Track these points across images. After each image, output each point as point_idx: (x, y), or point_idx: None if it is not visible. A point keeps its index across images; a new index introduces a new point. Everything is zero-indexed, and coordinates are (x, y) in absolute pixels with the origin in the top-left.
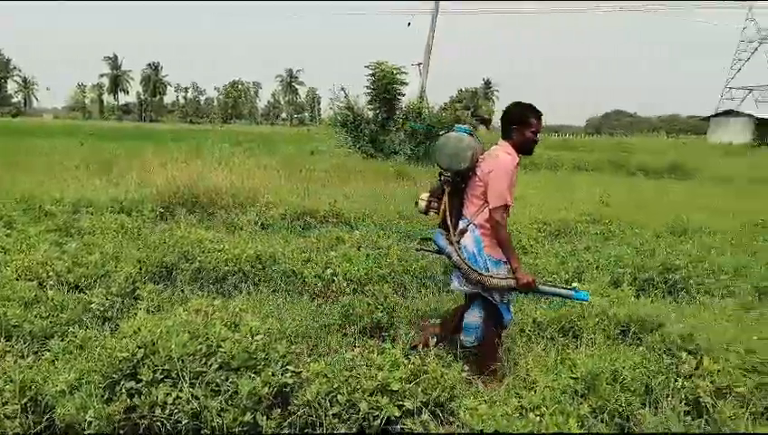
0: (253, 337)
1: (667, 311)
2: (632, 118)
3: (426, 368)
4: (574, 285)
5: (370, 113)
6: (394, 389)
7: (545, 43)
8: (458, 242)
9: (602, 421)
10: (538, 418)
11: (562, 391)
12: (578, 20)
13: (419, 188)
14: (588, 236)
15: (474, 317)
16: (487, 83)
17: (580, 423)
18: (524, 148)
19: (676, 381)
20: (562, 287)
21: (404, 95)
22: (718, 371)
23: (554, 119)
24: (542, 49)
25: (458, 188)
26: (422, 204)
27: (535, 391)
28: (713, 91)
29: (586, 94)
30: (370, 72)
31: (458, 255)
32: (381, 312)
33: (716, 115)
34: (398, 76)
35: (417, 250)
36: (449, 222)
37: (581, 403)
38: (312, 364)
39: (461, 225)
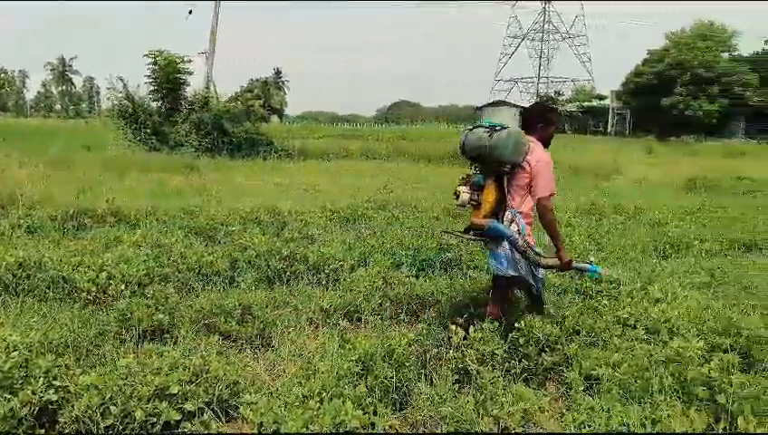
0: (8, 354)
1: (441, 287)
2: (415, 107)
3: (208, 367)
4: (591, 259)
5: (154, 104)
6: (173, 392)
7: (336, 33)
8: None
9: (379, 399)
10: (318, 404)
11: (342, 375)
12: (366, 11)
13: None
14: (375, 221)
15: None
16: (278, 73)
17: (357, 404)
18: (546, 142)
19: (448, 352)
20: (586, 263)
21: (188, 85)
22: (482, 338)
23: (346, 109)
24: (331, 38)
25: (503, 180)
26: (465, 196)
27: (319, 378)
28: (486, 83)
29: (376, 84)
30: (150, 60)
31: (524, 240)
32: (162, 314)
33: (488, 105)
34: (181, 65)
35: (448, 232)
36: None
37: (359, 384)
38: (81, 377)
39: (509, 215)
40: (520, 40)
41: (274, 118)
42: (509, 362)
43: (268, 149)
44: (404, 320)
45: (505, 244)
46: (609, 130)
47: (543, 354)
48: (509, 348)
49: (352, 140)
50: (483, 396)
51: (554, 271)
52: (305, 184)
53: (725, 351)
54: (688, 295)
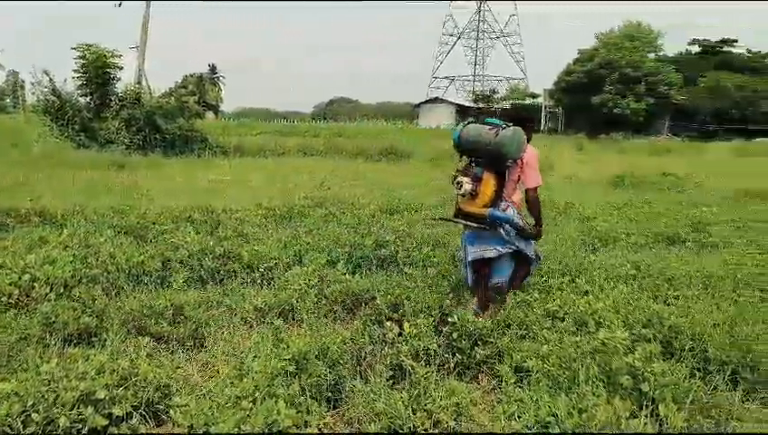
0: None
1: (377, 284)
2: (354, 104)
3: (136, 370)
4: None
5: (82, 100)
6: (100, 397)
7: (272, 29)
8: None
9: (313, 398)
10: (250, 404)
11: (276, 374)
12: (300, 7)
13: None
14: (311, 219)
15: (507, 274)
16: (213, 69)
17: (290, 403)
18: (528, 140)
19: (383, 349)
20: None
21: (119, 80)
22: (416, 334)
23: (283, 105)
24: (270, 35)
25: (502, 172)
26: (468, 186)
27: (252, 378)
28: (424, 80)
29: (313, 81)
30: (79, 54)
31: (522, 220)
32: (89, 316)
33: (425, 102)
34: (111, 60)
35: (443, 219)
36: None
37: (292, 384)
38: (0, 384)
39: (503, 204)
40: (456, 38)
41: (210, 114)
42: (443, 357)
43: (203, 145)
44: (339, 318)
45: (503, 229)
46: (542, 127)
47: (476, 348)
48: (444, 343)
49: (290, 136)
50: (416, 391)
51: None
52: (241, 181)
53: (649, 341)
54: (615, 288)
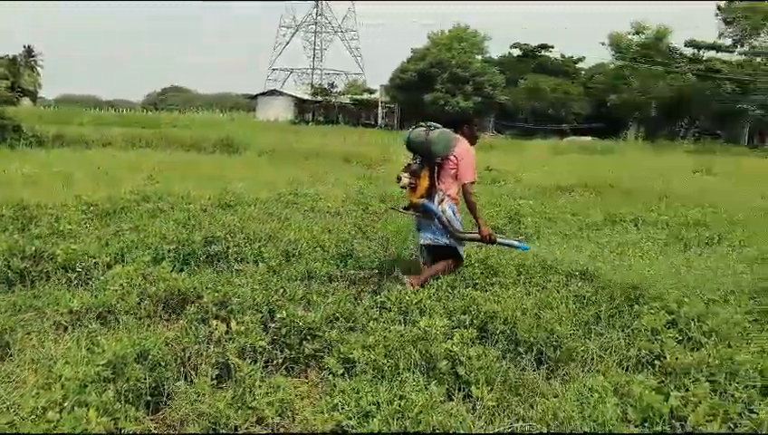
0: None
1: (206, 281)
2: (189, 94)
3: None
4: (520, 237)
5: None
6: None
7: (98, 12)
8: (440, 208)
9: (129, 402)
10: (57, 415)
11: (89, 381)
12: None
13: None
14: (137, 214)
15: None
16: (30, 51)
17: (103, 410)
18: (471, 139)
19: (208, 348)
20: (513, 239)
21: None
22: (244, 331)
23: (110, 93)
24: (95, 19)
25: (436, 169)
26: (405, 181)
27: (62, 386)
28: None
29: (145, 68)
30: None
31: (446, 217)
32: None
33: (263, 94)
34: None
35: (394, 209)
36: (434, 193)
37: (106, 390)
38: None
39: (438, 197)
40: (294, 31)
41: (26, 101)
42: (272, 353)
43: (16, 135)
44: (163, 318)
45: (434, 221)
46: (378, 122)
47: (305, 343)
48: (272, 339)
49: (117, 126)
50: (241, 389)
51: (477, 244)
52: (60, 174)
53: (466, 326)
54: (439, 277)
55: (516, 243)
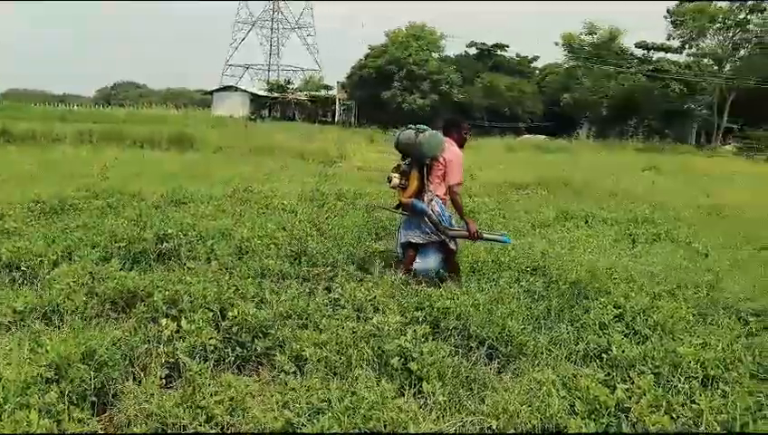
0: None
1: (156, 279)
2: (142, 89)
3: None
4: (503, 232)
5: None
6: None
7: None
8: (429, 207)
9: (74, 403)
10: None
11: (31, 382)
12: None
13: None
14: (86, 212)
15: (432, 262)
16: None
17: (45, 412)
18: (460, 143)
19: (158, 347)
20: (497, 233)
21: None
22: (194, 330)
23: (62, 88)
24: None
25: (426, 170)
26: (395, 181)
27: (2, 389)
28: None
29: (96, 63)
30: None
31: (436, 215)
32: None
33: (219, 90)
34: None
35: (383, 207)
36: (423, 193)
37: (49, 391)
38: None
39: (427, 196)
40: (250, 27)
41: None
42: (223, 352)
43: None
44: (112, 317)
45: (424, 219)
46: (336, 119)
47: (257, 341)
48: (224, 337)
49: (68, 122)
50: (191, 388)
51: (466, 240)
52: (4, 171)
53: (420, 322)
54: (395, 274)
55: (500, 237)
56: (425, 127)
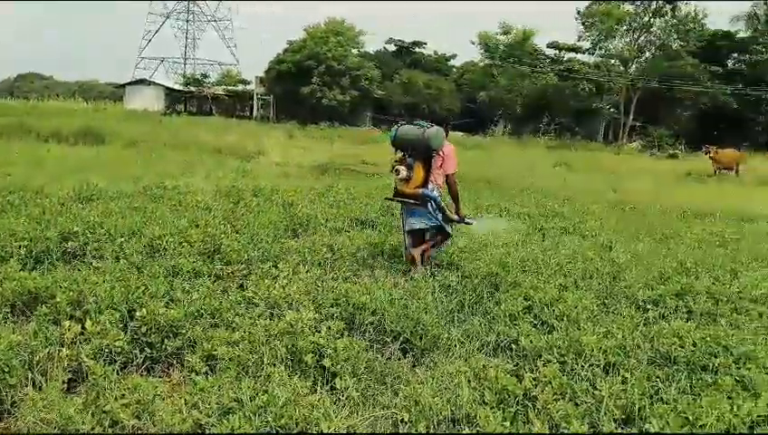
0: None
1: (60, 280)
2: (48, 81)
3: None
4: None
5: None
6: None
7: None
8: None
9: None
10: None
11: None
12: None
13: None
14: None
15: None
16: None
17: None
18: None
19: (60, 350)
20: (473, 218)
21: None
22: (100, 332)
23: None
24: None
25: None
26: (404, 173)
27: None
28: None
29: None
30: None
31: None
32: None
33: (131, 83)
34: None
35: (389, 199)
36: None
37: None
38: None
39: (431, 186)
40: (164, 18)
41: None
42: (131, 353)
43: None
44: (10, 320)
45: (430, 205)
46: (254, 114)
47: (167, 341)
48: (131, 338)
49: None
50: (95, 393)
51: (456, 223)
52: None
53: (334, 319)
54: (309, 271)
55: (472, 221)
56: (425, 123)
